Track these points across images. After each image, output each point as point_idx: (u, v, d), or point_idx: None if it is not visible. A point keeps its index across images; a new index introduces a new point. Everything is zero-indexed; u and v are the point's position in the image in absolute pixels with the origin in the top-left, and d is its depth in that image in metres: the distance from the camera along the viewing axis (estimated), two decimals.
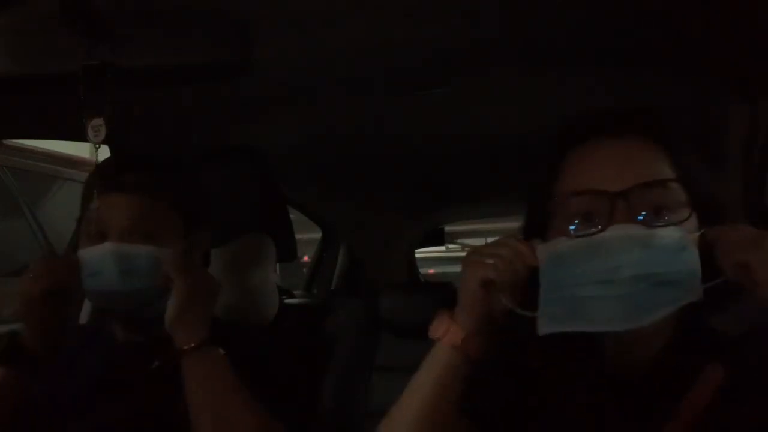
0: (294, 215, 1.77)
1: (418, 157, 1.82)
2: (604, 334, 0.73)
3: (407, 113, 1.48)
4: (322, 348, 1.59)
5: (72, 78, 0.90)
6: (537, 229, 0.77)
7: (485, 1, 0.97)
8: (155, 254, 0.99)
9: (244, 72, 0.98)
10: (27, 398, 1.00)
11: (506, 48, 1.14)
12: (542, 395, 0.78)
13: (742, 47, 1.10)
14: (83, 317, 1.42)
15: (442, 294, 1.79)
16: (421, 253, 3.13)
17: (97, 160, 1.05)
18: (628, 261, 0.66)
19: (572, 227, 0.72)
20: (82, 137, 0.97)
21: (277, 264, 1.47)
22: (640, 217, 0.70)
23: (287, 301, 2.02)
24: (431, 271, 6.30)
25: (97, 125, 0.96)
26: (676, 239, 0.68)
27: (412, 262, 2.88)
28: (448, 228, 3.16)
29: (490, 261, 0.73)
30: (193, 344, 0.95)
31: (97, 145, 1.00)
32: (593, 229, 0.70)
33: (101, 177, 1.04)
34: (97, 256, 0.98)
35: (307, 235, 2.73)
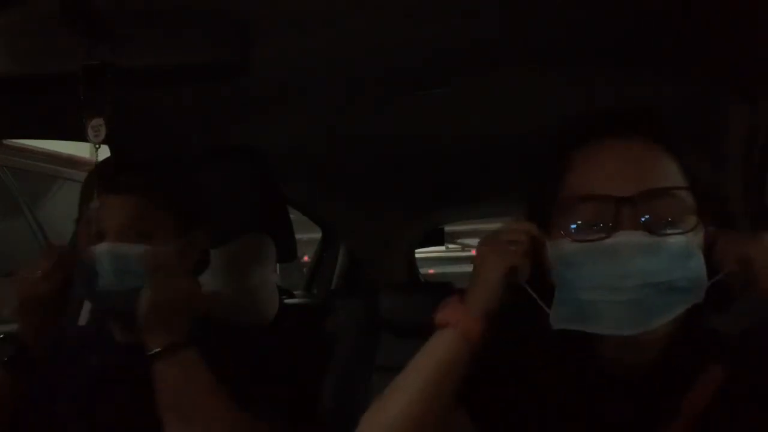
0: (294, 215, 1.77)
1: (418, 157, 1.82)
2: (606, 336, 0.73)
3: (407, 113, 1.48)
4: (322, 348, 1.59)
5: (72, 78, 0.90)
6: (539, 227, 0.76)
7: (485, 1, 0.97)
8: (150, 254, 0.99)
9: (244, 72, 0.98)
10: (27, 398, 1.00)
11: (506, 48, 1.14)
12: (542, 394, 0.77)
13: (742, 47, 1.10)
14: (83, 318, 1.42)
15: (442, 294, 1.79)
16: (421, 253, 3.12)
17: (97, 160, 1.05)
18: (634, 270, 0.66)
19: (573, 226, 0.72)
20: (82, 137, 0.97)
21: (277, 264, 1.47)
22: (644, 220, 0.68)
23: (287, 301, 2.02)
24: (431, 271, 6.30)
25: (97, 125, 0.96)
26: (683, 246, 0.67)
27: (412, 262, 2.88)
28: (448, 228, 3.16)
29: (513, 248, 0.72)
30: (157, 348, 0.93)
31: (97, 145, 1.00)
32: (599, 235, 0.69)
33: (98, 178, 1.04)
34: (93, 256, 0.98)
35: (307, 235, 2.73)
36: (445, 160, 1.88)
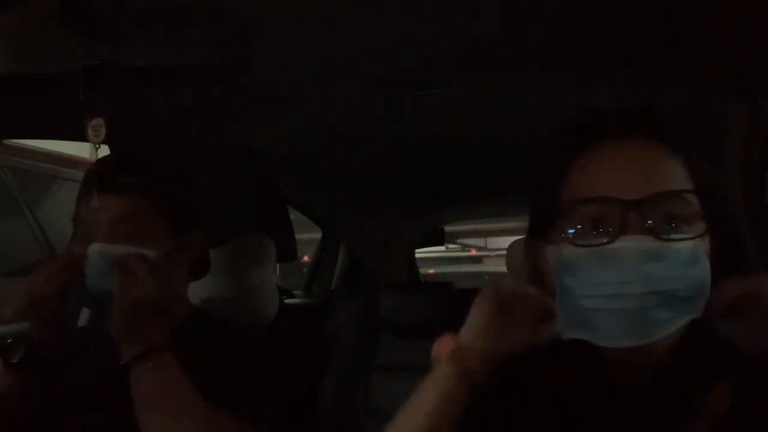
0: (294, 215, 1.77)
1: (418, 157, 1.82)
2: (607, 348, 0.69)
3: (407, 113, 1.48)
4: (322, 348, 1.60)
5: (72, 78, 0.90)
6: (541, 230, 0.74)
7: (485, 1, 0.97)
8: (141, 255, 0.98)
9: (245, 72, 0.98)
10: (27, 398, 1.00)
11: (506, 48, 1.14)
12: (544, 414, 0.73)
13: (742, 47, 1.10)
14: (82, 319, 1.42)
15: (442, 294, 1.79)
16: (421, 253, 3.13)
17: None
18: (639, 276, 0.63)
19: (572, 231, 0.69)
20: (82, 137, 0.97)
21: (277, 264, 1.47)
22: (650, 224, 0.65)
23: (287, 301, 2.02)
24: (431, 271, 6.31)
25: (97, 125, 0.96)
26: (689, 252, 0.65)
27: (412, 262, 2.88)
28: (448, 228, 3.16)
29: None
30: (128, 358, 0.92)
31: (97, 145, 1.00)
32: (601, 239, 0.66)
33: (91, 177, 1.04)
34: (86, 256, 0.98)
35: (307, 235, 2.73)
36: (445, 160, 1.88)
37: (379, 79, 1.26)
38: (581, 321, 0.66)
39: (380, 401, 1.60)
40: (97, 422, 1.02)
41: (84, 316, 1.42)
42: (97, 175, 1.03)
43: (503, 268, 1.25)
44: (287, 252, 1.47)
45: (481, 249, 11.19)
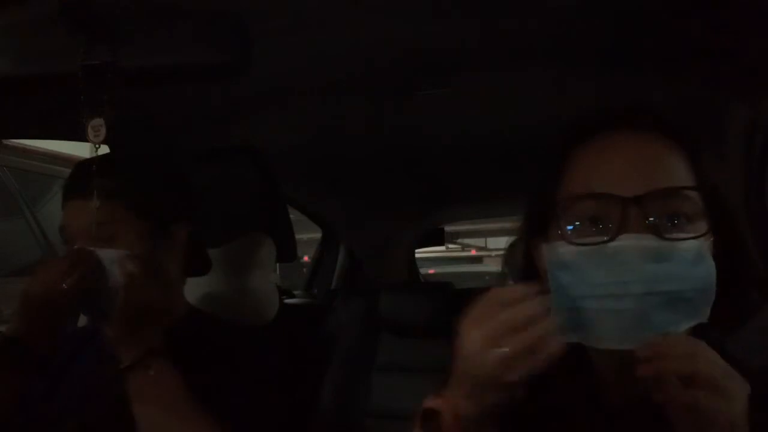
0: (294, 215, 1.77)
1: (418, 156, 1.82)
2: (602, 357, 0.67)
3: (407, 113, 1.48)
4: (322, 348, 1.60)
5: (72, 78, 0.90)
6: (538, 228, 0.71)
7: (485, 1, 0.97)
8: (114, 257, 0.98)
9: (244, 72, 0.98)
10: (26, 399, 1.00)
11: (506, 48, 1.14)
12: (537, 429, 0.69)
13: (742, 47, 1.10)
14: (82, 319, 1.42)
15: (442, 294, 1.79)
16: (421, 253, 3.13)
17: None
18: (639, 276, 0.60)
19: (569, 228, 0.65)
20: (82, 137, 0.97)
21: (277, 264, 1.47)
22: (651, 222, 0.62)
23: (287, 301, 2.02)
24: (431, 271, 6.32)
25: (97, 125, 0.96)
26: (692, 251, 0.62)
27: (412, 262, 2.88)
28: (448, 228, 3.16)
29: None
30: (122, 366, 0.92)
31: (97, 145, 1.00)
32: (600, 237, 0.63)
33: (67, 182, 1.05)
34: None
35: (307, 235, 2.73)
36: (445, 160, 1.88)
37: (379, 79, 1.26)
38: (578, 322, 0.63)
39: (380, 401, 1.60)
40: (96, 423, 1.02)
41: (83, 318, 1.42)
42: (66, 183, 1.05)
43: None
44: (287, 252, 1.47)
45: (481, 249, 11.21)
